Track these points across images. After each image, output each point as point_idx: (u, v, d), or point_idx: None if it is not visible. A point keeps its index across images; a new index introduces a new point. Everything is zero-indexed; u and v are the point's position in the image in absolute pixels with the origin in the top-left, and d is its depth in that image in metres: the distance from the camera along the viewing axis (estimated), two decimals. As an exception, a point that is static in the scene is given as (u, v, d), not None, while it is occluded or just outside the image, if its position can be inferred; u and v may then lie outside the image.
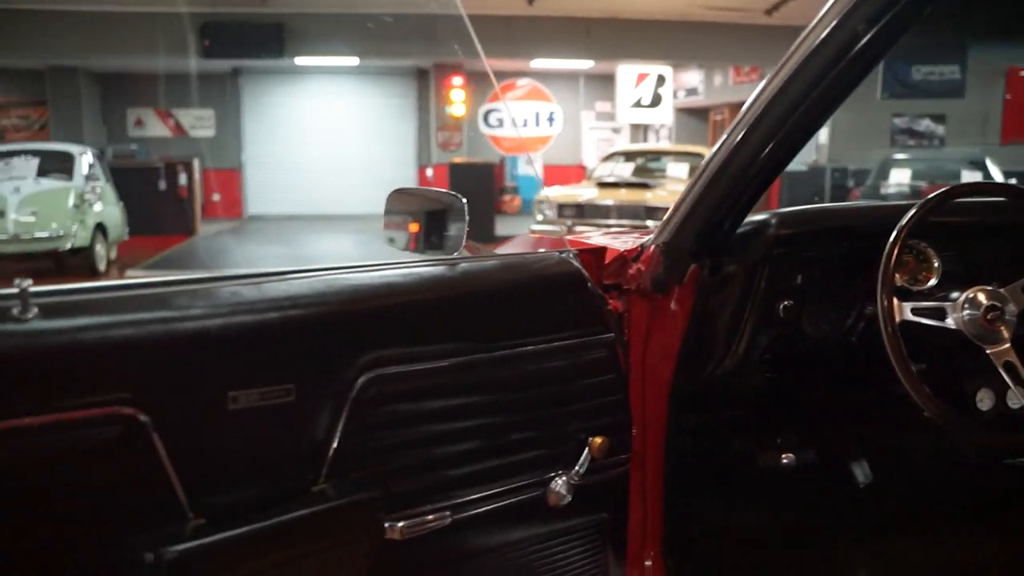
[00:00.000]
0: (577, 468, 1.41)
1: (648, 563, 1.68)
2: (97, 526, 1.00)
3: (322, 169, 18.19)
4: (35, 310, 0.96)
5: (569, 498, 1.40)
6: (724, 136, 1.43)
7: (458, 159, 15.38)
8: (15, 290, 0.96)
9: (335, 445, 1.17)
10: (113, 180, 11.20)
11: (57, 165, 10.03)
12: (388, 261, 1.32)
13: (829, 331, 1.66)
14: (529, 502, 1.39)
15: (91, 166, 10.47)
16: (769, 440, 1.85)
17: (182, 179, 14.03)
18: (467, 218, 1.39)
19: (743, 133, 1.38)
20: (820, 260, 1.65)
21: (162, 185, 13.71)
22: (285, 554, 1.11)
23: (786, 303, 1.60)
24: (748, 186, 1.42)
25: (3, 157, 10.05)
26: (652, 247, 1.51)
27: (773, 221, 1.61)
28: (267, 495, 1.12)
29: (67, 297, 1.02)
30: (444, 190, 1.49)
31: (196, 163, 14.69)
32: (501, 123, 17.28)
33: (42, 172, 9.83)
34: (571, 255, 1.45)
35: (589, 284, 1.43)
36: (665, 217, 1.52)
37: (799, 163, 13.97)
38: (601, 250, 1.52)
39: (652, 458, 1.65)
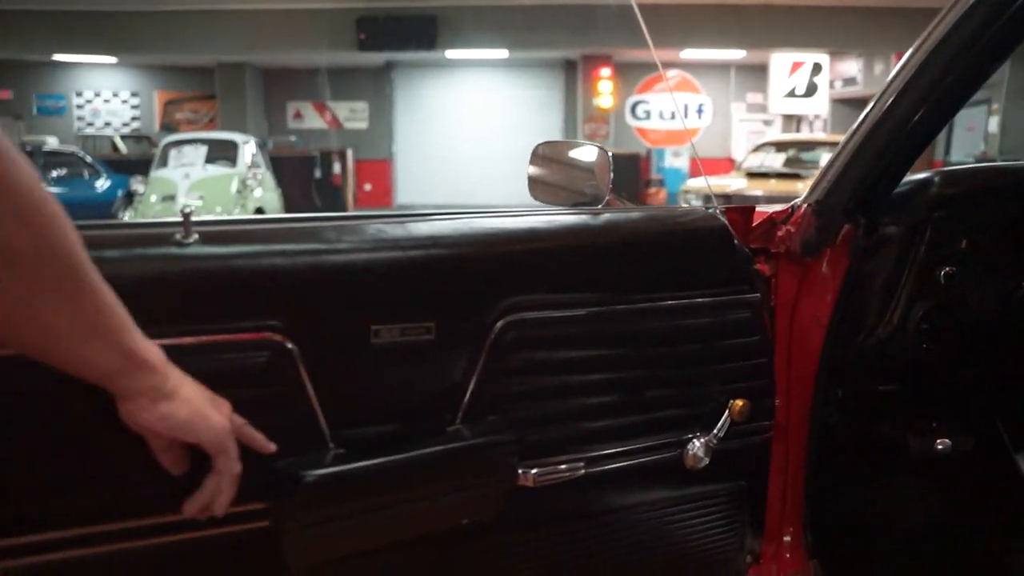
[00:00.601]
0: (716, 431, 1.37)
1: (787, 539, 1.62)
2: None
3: (470, 160, 18.52)
4: (196, 236, 1.01)
5: (706, 461, 1.36)
6: (882, 89, 1.36)
7: (603, 150, 15.29)
8: (179, 218, 1.01)
9: (472, 387, 1.18)
10: (272, 168, 11.79)
11: (223, 153, 10.64)
12: (531, 209, 1.32)
13: (995, 302, 1.55)
14: (665, 462, 1.36)
15: (253, 155, 11.06)
16: (923, 422, 1.74)
17: (336, 168, 14.61)
18: (612, 171, 1.37)
19: (903, 85, 1.31)
20: (988, 224, 1.54)
21: (317, 174, 14.31)
22: (419, 490, 1.13)
23: (948, 269, 1.50)
24: (906, 142, 1.35)
25: (176, 146, 10.76)
26: (803, 207, 1.45)
27: (937, 180, 1.51)
28: (404, 431, 1.14)
29: (225, 227, 1.07)
30: (590, 142, 1.48)
31: (350, 153, 15.26)
32: (648, 115, 17.09)
33: (209, 159, 10.45)
34: (717, 211, 1.41)
35: (735, 241, 1.39)
36: (817, 175, 1.46)
37: (964, 154, 13.13)
38: (749, 210, 1.47)
39: (795, 430, 1.59)
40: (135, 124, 19.05)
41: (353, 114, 19.05)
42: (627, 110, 17.11)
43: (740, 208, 1.45)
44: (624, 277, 1.29)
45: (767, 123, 18.04)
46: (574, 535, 1.33)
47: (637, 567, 1.40)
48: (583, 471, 1.27)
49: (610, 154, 1.39)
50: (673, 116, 16.82)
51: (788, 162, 10.22)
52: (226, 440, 0.95)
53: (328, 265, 1.08)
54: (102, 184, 12.16)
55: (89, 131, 18.55)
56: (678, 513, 1.41)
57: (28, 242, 0.73)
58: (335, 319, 1.08)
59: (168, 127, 18.29)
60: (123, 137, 17.62)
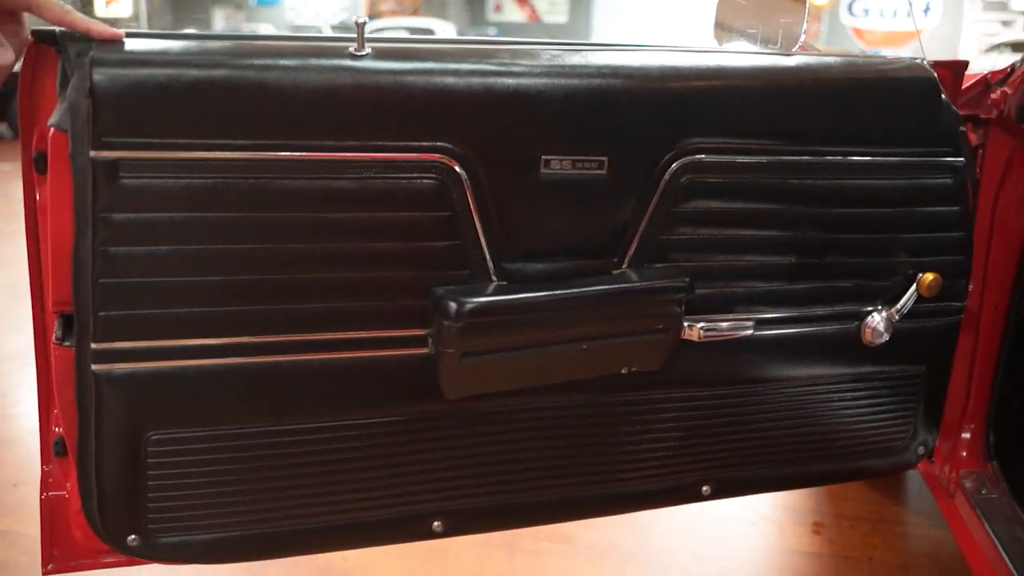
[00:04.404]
0: (900, 305, 1.27)
1: (965, 435, 1.51)
2: (403, 265, 1.06)
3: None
4: (369, 50, 1.01)
5: (886, 337, 1.27)
6: None
7: (811, 50, 14.33)
8: (353, 34, 1.01)
9: (641, 230, 1.13)
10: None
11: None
12: (718, 49, 1.23)
13: None
14: (840, 334, 1.28)
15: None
16: None
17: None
18: (807, 16, 1.26)
19: None
20: None
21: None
22: (581, 330, 1.12)
23: None
24: None
25: (377, 32, 11.06)
26: None
27: None
28: (568, 269, 1.12)
29: (399, 44, 1.06)
30: None
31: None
32: (867, 12, 15.76)
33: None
34: (925, 61, 1.27)
35: (943, 96, 1.24)
36: None
37: None
38: (960, 66, 1.32)
39: (988, 320, 1.45)
40: (343, 15, 19.65)
41: (553, 7, 18.79)
42: (844, 6, 15.84)
43: (950, 63, 1.30)
44: (813, 126, 1.19)
45: (1006, 24, 16.18)
46: (732, 400, 1.28)
47: (795, 442, 1.35)
48: (751, 333, 1.21)
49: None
50: (895, 14, 15.42)
51: (1024, 67, 9.14)
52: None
53: (501, 88, 1.04)
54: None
55: (300, 21, 19.34)
56: (848, 391, 1.34)
57: None
58: (506, 145, 1.06)
59: (374, 16, 18.75)
60: (332, 27, 18.27)
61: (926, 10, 15.87)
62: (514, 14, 18.95)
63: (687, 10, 17.80)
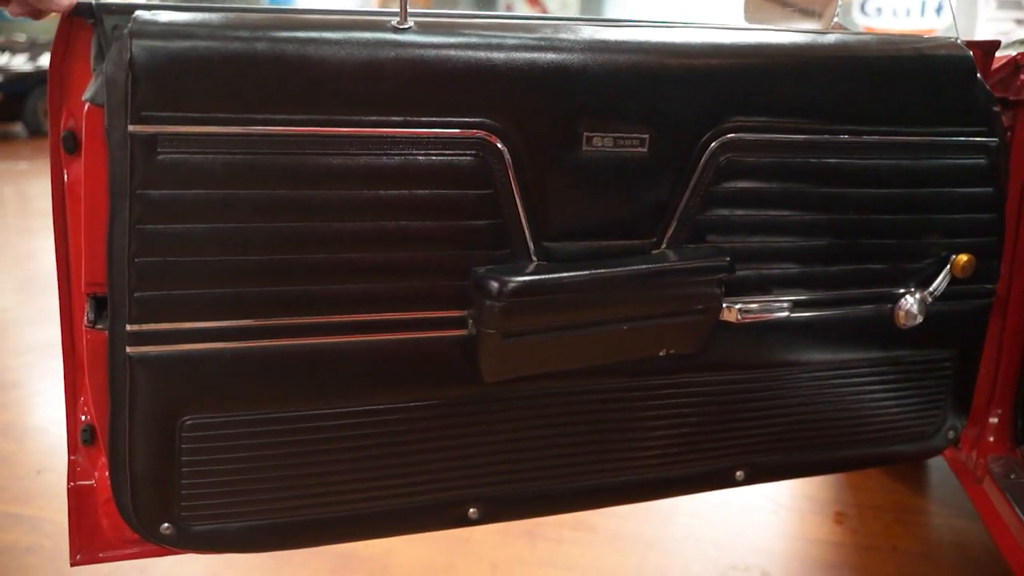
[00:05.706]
0: (934, 287, 1.26)
1: (993, 420, 1.50)
2: (443, 244, 1.05)
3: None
4: (411, 23, 1.00)
5: (920, 319, 1.26)
6: None
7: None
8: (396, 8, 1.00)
9: (681, 209, 1.13)
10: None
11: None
12: (758, 26, 1.23)
13: None
14: (874, 316, 1.27)
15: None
16: None
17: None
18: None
19: None
20: None
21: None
22: (618, 311, 1.11)
23: None
24: None
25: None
26: None
27: None
28: (608, 248, 1.11)
29: (442, 18, 1.05)
30: None
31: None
32: (880, 12, 15.71)
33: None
34: (960, 41, 1.26)
35: (978, 76, 1.23)
36: None
37: None
38: (992, 46, 1.31)
39: (1016, 303, 1.45)
40: (354, 13, 19.70)
41: (563, 8, 18.78)
42: (856, 5, 15.80)
43: (982, 43, 1.30)
44: (851, 105, 1.19)
45: (1020, 22, 16.09)
46: (766, 383, 1.27)
47: (827, 426, 1.34)
48: (787, 315, 1.20)
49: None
50: (908, 13, 15.36)
51: (1040, 64, 9.07)
52: None
53: (545, 63, 1.03)
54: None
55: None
56: (880, 375, 1.33)
57: None
58: (548, 121, 1.05)
59: (385, 16, 18.79)
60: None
61: (938, 9, 15.81)
62: (523, 12, 18.96)
63: (696, 11, 17.78)
